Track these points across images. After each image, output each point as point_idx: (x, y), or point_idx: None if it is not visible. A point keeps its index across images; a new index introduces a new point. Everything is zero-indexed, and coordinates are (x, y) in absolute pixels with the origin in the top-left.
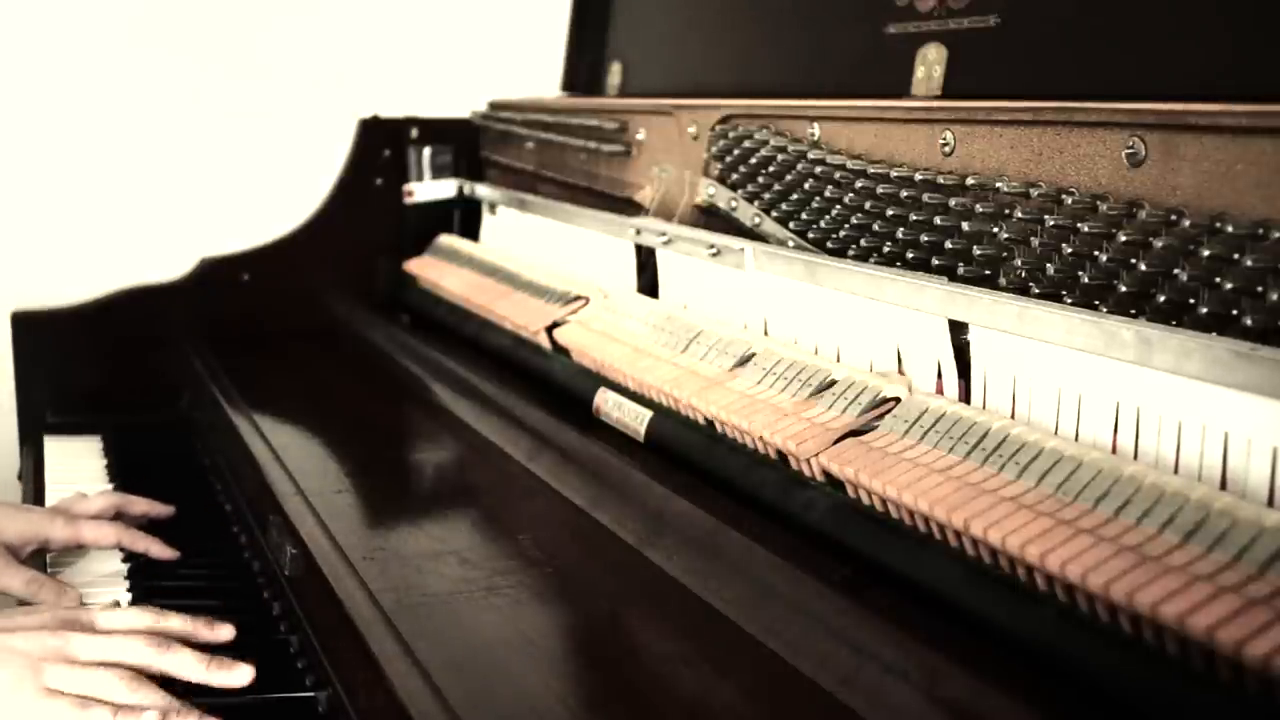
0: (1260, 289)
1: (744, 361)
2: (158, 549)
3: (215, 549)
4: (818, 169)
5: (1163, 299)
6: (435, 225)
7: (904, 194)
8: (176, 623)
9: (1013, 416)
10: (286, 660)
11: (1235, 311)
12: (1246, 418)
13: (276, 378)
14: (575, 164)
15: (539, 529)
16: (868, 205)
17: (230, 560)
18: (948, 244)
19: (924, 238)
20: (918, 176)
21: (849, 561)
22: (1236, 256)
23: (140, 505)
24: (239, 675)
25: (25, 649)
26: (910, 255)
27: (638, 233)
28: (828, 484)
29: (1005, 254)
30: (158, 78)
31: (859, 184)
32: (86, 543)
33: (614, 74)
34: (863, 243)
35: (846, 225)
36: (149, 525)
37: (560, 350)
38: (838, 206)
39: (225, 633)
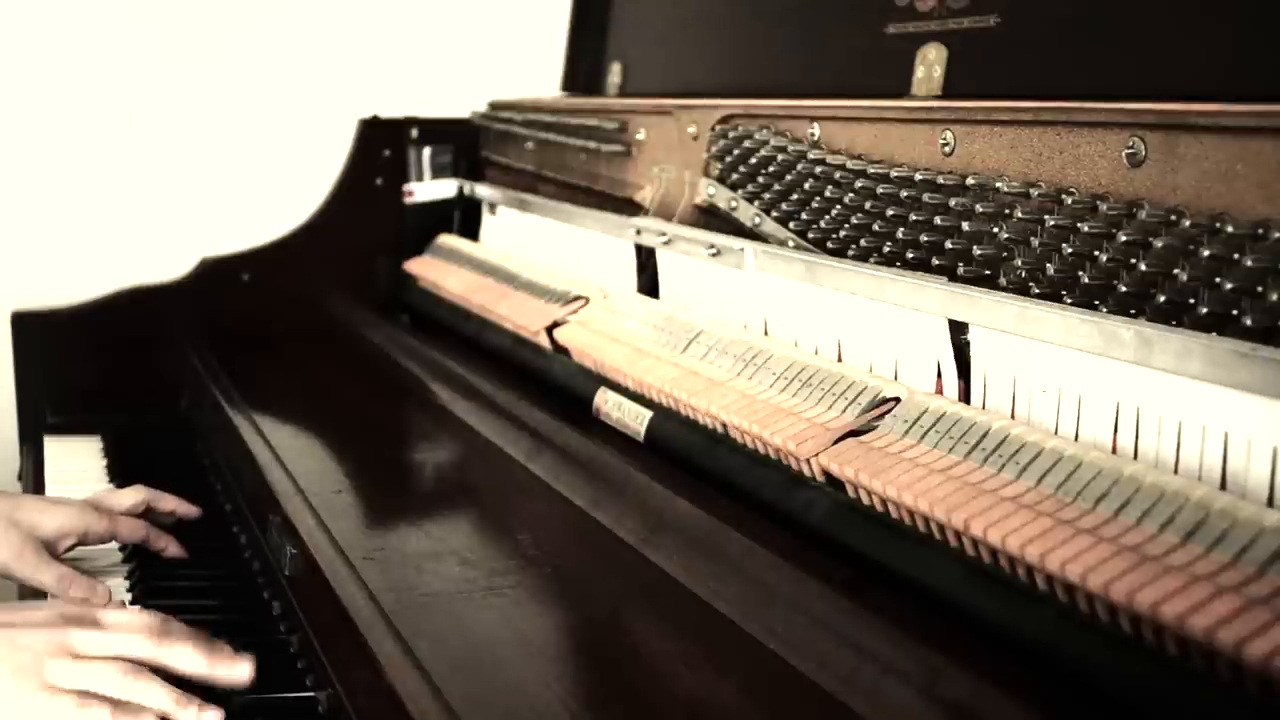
0: (1260, 289)
1: (744, 362)
2: (174, 549)
3: (215, 549)
4: (818, 169)
5: (1163, 299)
6: (435, 225)
7: (904, 194)
8: (178, 631)
9: (1013, 416)
10: (286, 660)
11: (1235, 311)
12: (1246, 418)
13: (276, 378)
14: (575, 164)
15: (539, 529)
16: (868, 205)
17: (230, 560)
18: (948, 244)
19: (924, 238)
20: (918, 176)
21: (849, 561)
22: (1236, 256)
23: (169, 503)
24: (240, 670)
25: (28, 645)
26: (910, 255)
27: (638, 233)
28: (828, 484)
29: (1005, 254)
30: (158, 77)
31: (859, 184)
32: (121, 538)
33: (614, 74)
34: (863, 243)
35: (846, 225)
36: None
37: (560, 350)
38: (838, 206)
39: (243, 671)
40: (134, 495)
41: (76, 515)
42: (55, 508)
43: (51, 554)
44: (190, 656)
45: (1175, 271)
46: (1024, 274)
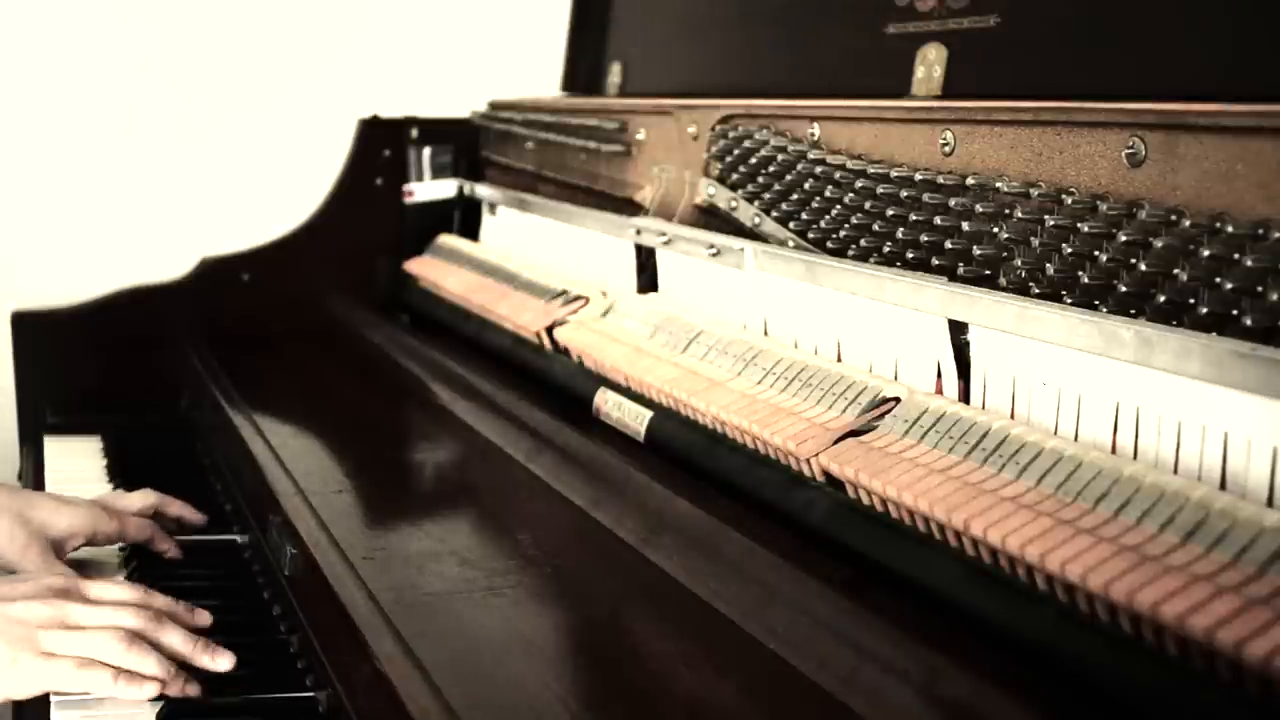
0: (1260, 289)
1: (744, 362)
2: (174, 551)
3: (216, 549)
4: (818, 169)
5: (1163, 299)
6: (435, 225)
7: (904, 194)
8: (162, 602)
9: (1013, 416)
10: (286, 660)
11: (1235, 311)
12: (1246, 418)
13: (276, 378)
14: (575, 164)
15: (539, 529)
16: (868, 205)
17: (230, 560)
18: (948, 244)
19: (924, 238)
20: (918, 176)
21: (849, 561)
22: (1236, 256)
23: (175, 508)
24: (222, 661)
25: (23, 616)
26: (910, 255)
27: (638, 233)
28: (828, 484)
29: (1005, 254)
30: (158, 78)
31: (859, 184)
32: (128, 538)
33: (614, 74)
34: (863, 243)
35: (846, 225)
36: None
37: (560, 350)
38: (838, 206)
39: (203, 619)
40: (143, 499)
41: (86, 515)
42: (66, 507)
43: (58, 553)
44: (179, 641)
45: (1175, 271)
46: (1024, 274)
